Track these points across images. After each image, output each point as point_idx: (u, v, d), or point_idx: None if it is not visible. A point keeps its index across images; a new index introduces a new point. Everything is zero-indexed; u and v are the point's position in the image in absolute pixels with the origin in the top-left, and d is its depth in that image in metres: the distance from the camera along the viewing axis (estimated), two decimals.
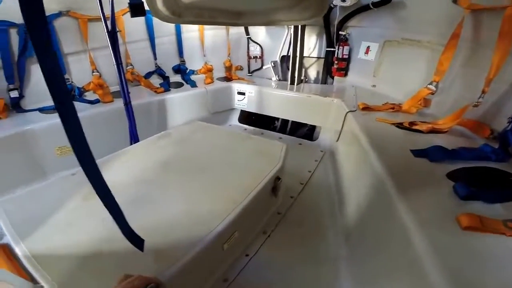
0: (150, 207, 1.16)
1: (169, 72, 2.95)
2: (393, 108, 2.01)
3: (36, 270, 0.86)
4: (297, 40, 2.69)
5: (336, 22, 2.60)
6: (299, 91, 2.69)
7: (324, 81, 2.95)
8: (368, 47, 2.60)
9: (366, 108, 2.04)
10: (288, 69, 2.89)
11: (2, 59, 2.08)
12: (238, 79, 3.05)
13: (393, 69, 2.45)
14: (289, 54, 2.85)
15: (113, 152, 1.59)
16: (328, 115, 2.45)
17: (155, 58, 2.83)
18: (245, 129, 2.92)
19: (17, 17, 2.09)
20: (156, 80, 2.85)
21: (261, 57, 3.17)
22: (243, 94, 2.88)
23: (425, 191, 1.07)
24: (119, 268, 0.88)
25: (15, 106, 2.21)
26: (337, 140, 2.28)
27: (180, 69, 2.98)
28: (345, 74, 2.80)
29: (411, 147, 1.39)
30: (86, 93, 2.56)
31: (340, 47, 2.66)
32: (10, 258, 0.93)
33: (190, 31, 2.93)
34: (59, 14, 2.26)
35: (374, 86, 2.59)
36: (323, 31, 2.76)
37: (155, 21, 2.68)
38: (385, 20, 2.42)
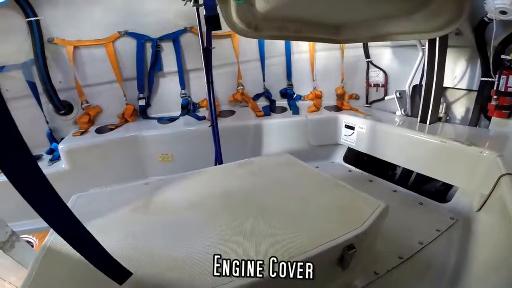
0: (182, 240, 1.07)
1: (276, 95, 2.85)
2: None
3: (35, 262, 0.94)
4: (434, 64, 2.03)
5: (493, 42, 1.85)
6: (431, 133, 2.01)
7: (475, 123, 2.12)
8: None
9: None
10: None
11: (137, 71, 2.48)
12: (350, 109, 2.61)
13: None
14: (422, 83, 2.20)
15: (197, 168, 1.64)
16: (471, 171, 1.72)
17: (264, 80, 2.78)
18: (350, 171, 2.43)
19: (153, 32, 2.45)
20: (263, 103, 2.81)
21: (385, 85, 2.61)
22: (352, 128, 2.43)
23: None
24: None
25: (142, 113, 2.63)
26: (479, 209, 1.61)
27: (286, 93, 2.84)
28: (510, 115, 1.92)
29: None
30: (200, 109, 2.76)
31: (503, 76, 1.85)
32: None
33: (301, 51, 2.75)
34: (184, 31, 2.50)
35: None
36: (477, 54, 2.02)
37: (267, 40, 2.63)
38: None
